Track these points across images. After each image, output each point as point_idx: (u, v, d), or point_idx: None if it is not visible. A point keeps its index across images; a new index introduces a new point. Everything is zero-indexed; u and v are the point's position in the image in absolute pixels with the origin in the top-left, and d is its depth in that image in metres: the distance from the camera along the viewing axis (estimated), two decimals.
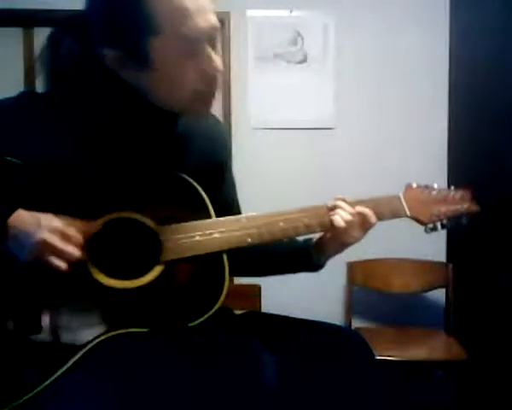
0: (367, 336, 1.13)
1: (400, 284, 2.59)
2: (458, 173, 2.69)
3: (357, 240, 1.12)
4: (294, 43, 2.69)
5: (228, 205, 1.19)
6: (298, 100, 2.70)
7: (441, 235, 2.68)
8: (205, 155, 1.14)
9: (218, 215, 1.07)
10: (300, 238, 1.19)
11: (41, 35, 2.67)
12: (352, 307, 2.61)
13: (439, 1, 2.71)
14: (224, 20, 2.63)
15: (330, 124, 2.72)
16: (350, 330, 1.27)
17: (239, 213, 1.19)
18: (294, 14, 2.68)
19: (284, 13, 2.67)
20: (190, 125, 1.11)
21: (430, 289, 2.63)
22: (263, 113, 2.68)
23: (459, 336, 2.43)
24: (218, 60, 0.99)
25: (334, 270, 2.65)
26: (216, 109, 1.20)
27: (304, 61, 2.70)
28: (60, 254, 0.92)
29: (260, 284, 2.03)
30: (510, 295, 2.21)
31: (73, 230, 0.95)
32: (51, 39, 1.04)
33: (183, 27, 0.93)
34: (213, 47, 0.99)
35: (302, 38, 2.69)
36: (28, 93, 1.08)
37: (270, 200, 2.70)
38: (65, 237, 0.93)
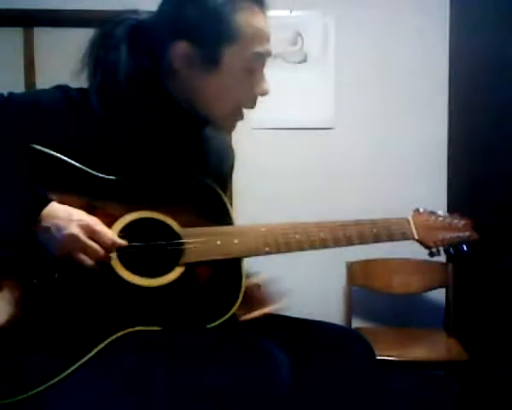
0: (367, 336, 1.13)
1: (400, 284, 2.59)
2: (458, 173, 2.69)
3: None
4: (294, 43, 2.69)
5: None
6: (298, 100, 2.70)
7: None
8: (215, 165, 1.19)
9: None
10: None
11: (41, 35, 2.68)
12: (352, 307, 2.61)
13: (439, 1, 2.71)
14: None
15: (330, 124, 2.72)
16: (352, 331, 1.28)
17: None
18: (294, 14, 2.68)
19: (284, 13, 2.67)
20: (209, 136, 1.17)
21: (430, 289, 2.64)
22: (263, 113, 2.67)
23: (459, 336, 2.43)
24: (266, 82, 1.10)
25: (334, 270, 2.65)
26: None
27: (304, 61, 2.70)
28: (88, 250, 0.95)
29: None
30: (510, 295, 2.21)
31: (104, 227, 0.97)
32: (101, 37, 1.06)
33: (256, 46, 1.04)
34: (264, 70, 1.09)
35: (302, 38, 2.69)
36: (65, 87, 1.08)
37: (270, 200, 2.70)
38: (95, 234, 0.96)
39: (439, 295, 2.67)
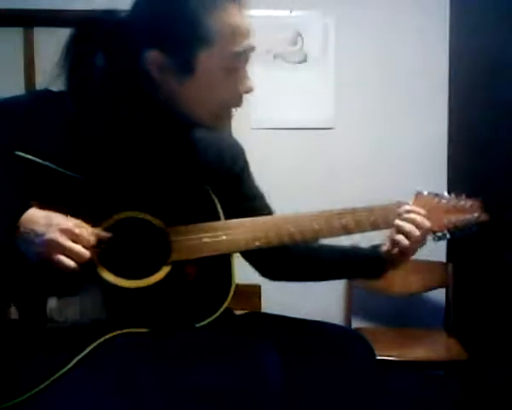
0: (367, 336, 1.13)
1: (400, 284, 2.58)
2: (458, 173, 2.69)
3: (414, 253, 1.15)
4: (294, 43, 2.69)
5: (248, 215, 1.16)
6: (298, 100, 2.69)
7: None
8: (217, 166, 1.15)
9: None
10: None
11: (41, 35, 2.68)
12: (351, 307, 2.61)
13: (439, 1, 2.71)
14: None
15: (330, 124, 2.72)
16: (352, 331, 1.27)
17: None
18: (294, 14, 2.68)
19: (284, 13, 2.67)
20: (204, 135, 1.14)
21: (430, 289, 2.64)
22: (263, 113, 2.68)
23: (459, 336, 2.43)
24: (250, 79, 1.05)
25: None
26: None
27: (304, 61, 2.70)
28: (69, 253, 0.93)
29: (260, 284, 2.02)
30: (510, 295, 2.20)
31: (84, 230, 0.96)
32: (75, 39, 1.04)
33: (232, 45, 0.99)
34: (247, 66, 1.05)
35: (302, 38, 2.68)
36: (45, 91, 1.08)
37: (270, 200, 2.70)
38: (75, 236, 0.94)
39: (439, 295, 2.66)
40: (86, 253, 0.95)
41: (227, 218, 1.11)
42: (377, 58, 2.71)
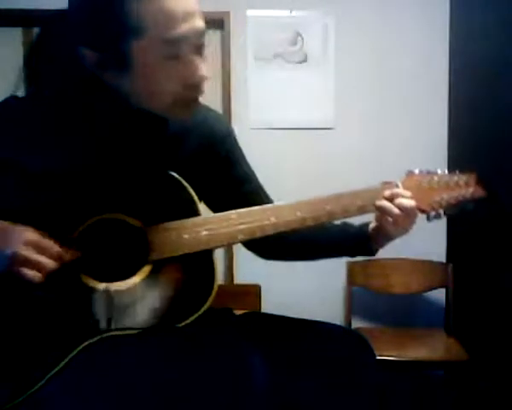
0: (367, 336, 1.13)
1: (400, 284, 2.59)
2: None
3: (406, 232, 1.10)
4: (294, 43, 2.69)
5: (241, 200, 1.14)
6: (298, 100, 2.70)
7: (441, 235, 2.69)
8: (204, 149, 1.12)
9: (229, 210, 1.05)
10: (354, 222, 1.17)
11: None
12: (352, 308, 2.61)
13: (439, 1, 2.71)
14: (223, 19, 2.63)
15: (330, 124, 2.72)
16: (351, 331, 1.27)
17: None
18: (294, 14, 2.68)
19: (284, 13, 2.67)
20: (183, 123, 1.08)
21: (430, 289, 2.64)
22: (263, 113, 2.68)
23: (459, 336, 2.43)
24: (201, 66, 0.97)
25: (334, 270, 2.65)
26: (216, 109, 1.20)
27: (304, 61, 2.70)
28: (33, 265, 0.91)
29: (260, 284, 2.03)
30: (510, 295, 2.20)
31: (47, 240, 0.94)
32: (35, 41, 1.03)
33: (167, 31, 0.91)
34: (198, 53, 0.97)
35: (302, 38, 2.69)
36: (13, 98, 1.07)
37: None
38: (39, 248, 0.93)
39: (439, 295, 2.66)
40: (51, 262, 0.93)
41: (219, 203, 1.09)
42: (377, 58, 2.71)
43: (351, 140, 2.72)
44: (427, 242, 2.43)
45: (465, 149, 2.63)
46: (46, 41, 1.02)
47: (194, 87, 0.98)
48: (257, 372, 0.97)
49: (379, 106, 2.73)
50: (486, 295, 2.41)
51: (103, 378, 0.93)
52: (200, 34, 0.95)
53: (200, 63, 0.97)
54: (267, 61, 2.66)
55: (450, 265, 2.58)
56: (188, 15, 0.92)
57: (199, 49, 0.97)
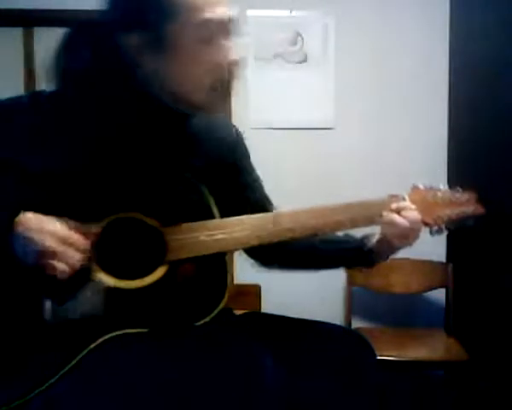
0: (367, 336, 1.13)
1: (400, 284, 2.59)
2: (458, 173, 2.69)
3: (410, 245, 1.14)
4: (294, 43, 2.69)
5: (248, 207, 1.17)
6: (298, 100, 2.70)
7: (441, 235, 2.67)
8: (213, 156, 1.14)
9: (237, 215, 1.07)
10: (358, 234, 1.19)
11: (41, 35, 2.68)
12: (352, 308, 2.61)
13: (439, 1, 2.71)
14: None
15: (330, 124, 2.72)
16: (352, 331, 1.27)
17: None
18: (294, 14, 2.68)
19: (284, 13, 2.67)
20: (199, 126, 1.12)
21: (430, 289, 2.64)
22: (263, 113, 2.68)
23: (459, 336, 2.43)
24: (234, 50, 1.01)
25: (334, 270, 2.65)
26: None
27: (304, 61, 2.70)
28: (61, 258, 0.92)
29: (260, 284, 2.03)
30: (511, 295, 2.20)
31: (76, 234, 0.95)
32: (65, 40, 1.05)
33: (201, 14, 0.96)
34: (229, 38, 1.01)
35: (302, 38, 2.69)
36: (38, 93, 1.07)
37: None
38: (67, 241, 0.93)
39: (439, 295, 2.66)
40: (79, 258, 0.94)
41: (224, 208, 1.10)
42: (377, 58, 2.71)
43: (351, 140, 2.72)
44: (427, 242, 2.43)
45: (465, 149, 2.63)
46: (77, 40, 1.04)
47: (226, 71, 1.02)
48: (268, 372, 0.97)
49: (379, 106, 2.73)
50: (486, 295, 2.41)
51: (116, 376, 0.93)
52: (229, 20, 1.00)
53: (232, 47, 1.01)
54: (267, 61, 2.66)
55: (450, 265, 2.58)
56: (220, 1, 0.98)
57: (229, 35, 1.01)
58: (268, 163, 2.68)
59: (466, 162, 2.62)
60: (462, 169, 2.66)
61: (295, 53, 2.69)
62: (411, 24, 2.70)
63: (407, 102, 2.73)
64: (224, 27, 0.99)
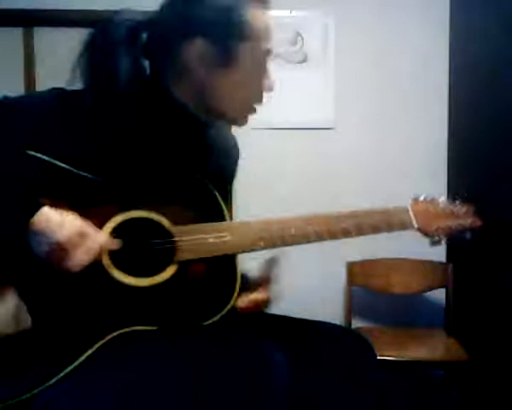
0: (367, 336, 1.13)
1: (400, 284, 2.59)
2: (458, 173, 2.69)
3: None
4: (294, 43, 2.69)
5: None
6: (298, 100, 2.70)
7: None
8: (220, 165, 1.18)
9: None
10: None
11: (41, 35, 2.68)
12: (352, 307, 2.61)
13: (439, 1, 2.71)
14: None
15: (330, 124, 2.72)
16: (352, 331, 1.27)
17: None
18: (294, 14, 2.68)
19: (284, 13, 2.67)
20: (213, 134, 1.17)
21: (430, 289, 2.64)
22: (263, 113, 2.67)
23: (459, 336, 2.43)
24: (272, 80, 1.10)
25: (334, 270, 2.66)
26: None
27: (304, 61, 2.70)
28: (80, 254, 0.94)
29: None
30: (511, 295, 2.21)
31: (93, 230, 0.96)
32: (96, 40, 1.05)
33: (265, 41, 1.06)
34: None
35: (302, 38, 2.69)
36: (60, 90, 1.08)
37: (270, 200, 2.70)
38: (85, 234, 0.95)
39: (439, 295, 2.66)
40: (97, 254, 0.96)
41: None
42: (377, 58, 2.71)
43: (351, 140, 2.72)
44: (427, 242, 2.43)
45: (465, 149, 2.63)
46: (109, 41, 1.05)
47: (262, 96, 1.12)
48: (278, 370, 0.98)
49: (379, 106, 2.73)
50: (486, 295, 2.41)
51: (125, 372, 0.94)
52: (274, 52, 1.09)
53: (271, 75, 1.10)
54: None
55: (450, 265, 2.58)
56: (272, 34, 1.07)
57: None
58: (268, 163, 2.70)
59: (466, 162, 2.62)
60: (461, 169, 2.66)
61: (295, 53, 2.69)
62: (411, 24, 2.70)
63: (407, 102, 2.73)
64: (269, 58, 1.08)
